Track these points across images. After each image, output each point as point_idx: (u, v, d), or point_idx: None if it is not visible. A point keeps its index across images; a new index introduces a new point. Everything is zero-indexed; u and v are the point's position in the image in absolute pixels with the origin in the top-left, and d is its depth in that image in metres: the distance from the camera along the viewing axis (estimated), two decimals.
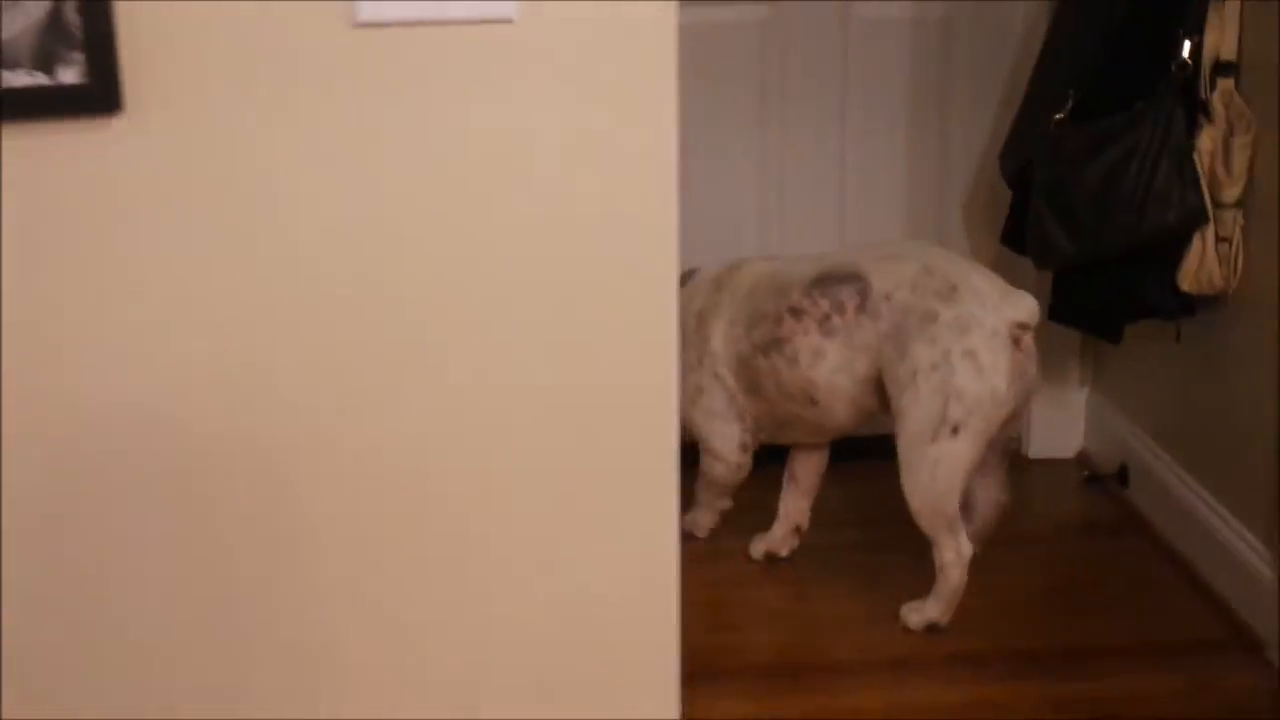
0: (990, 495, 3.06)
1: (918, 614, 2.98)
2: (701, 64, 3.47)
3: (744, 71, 3.53)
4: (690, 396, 3.11)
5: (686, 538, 3.22)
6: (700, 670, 2.72)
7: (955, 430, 2.82)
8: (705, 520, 3.29)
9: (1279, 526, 2.83)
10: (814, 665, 2.86)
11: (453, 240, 1.62)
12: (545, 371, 1.67)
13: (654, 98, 1.62)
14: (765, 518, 3.25)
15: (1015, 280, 3.48)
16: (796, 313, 2.97)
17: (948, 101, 3.58)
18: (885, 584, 3.07)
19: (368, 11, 1.53)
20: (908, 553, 3.04)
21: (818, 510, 3.28)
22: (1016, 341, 2.85)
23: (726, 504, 3.28)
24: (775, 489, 3.25)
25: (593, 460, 1.70)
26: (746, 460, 3.18)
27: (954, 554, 2.92)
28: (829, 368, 2.95)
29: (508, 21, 1.56)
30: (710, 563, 3.19)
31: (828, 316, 2.94)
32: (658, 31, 1.61)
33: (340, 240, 1.60)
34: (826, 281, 2.96)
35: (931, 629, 2.95)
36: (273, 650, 1.70)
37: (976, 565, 3.12)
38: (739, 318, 3.06)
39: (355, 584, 1.70)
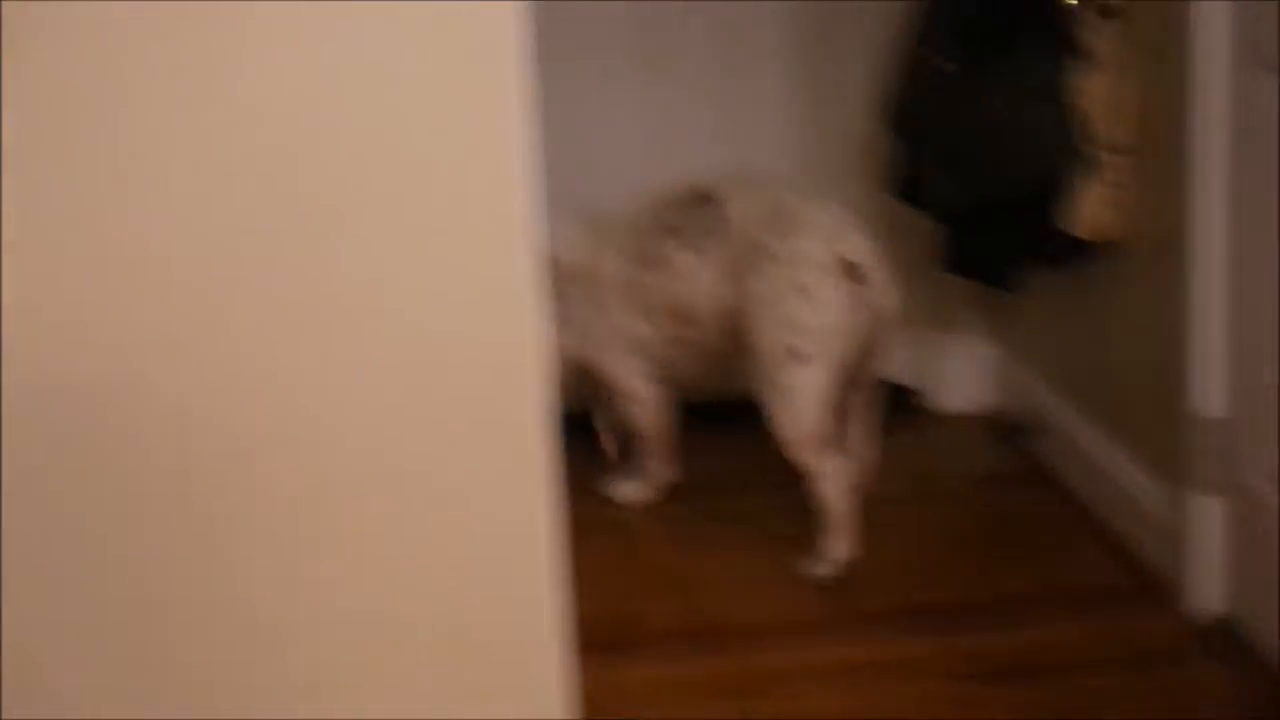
0: (858, 451, 3.07)
1: (822, 564, 2.98)
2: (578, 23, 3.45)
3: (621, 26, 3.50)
4: (591, 340, 3.14)
5: (624, 508, 3.24)
6: (606, 640, 2.72)
7: (801, 359, 2.88)
8: (638, 488, 3.28)
9: (1176, 470, 2.81)
10: (720, 628, 2.83)
11: (271, 219, 1.57)
12: (397, 338, 1.61)
13: (499, 42, 1.57)
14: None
15: (904, 231, 3.50)
16: (674, 230, 3.05)
17: (827, 45, 3.54)
18: (789, 546, 3.04)
19: None
20: (798, 518, 3.03)
21: (722, 473, 3.26)
22: (851, 275, 2.88)
23: (666, 471, 3.27)
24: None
25: (455, 432, 1.65)
26: (659, 396, 3.21)
27: (831, 479, 2.96)
28: (704, 284, 3.02)
29: None
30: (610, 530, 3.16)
31: (700, 235, 3.02)
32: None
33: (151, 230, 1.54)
34: (690, 202, 3.05)
35: (838, 576, 2.97)
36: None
37: (884, 521, 3.11)
38: (625, 243, 3.10)
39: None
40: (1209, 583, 2.75)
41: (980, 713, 2.55)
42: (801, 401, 2.90)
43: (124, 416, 1.60)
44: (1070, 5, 2.89)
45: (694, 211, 3.04)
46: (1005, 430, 3.49)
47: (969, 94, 2.99)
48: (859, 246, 2.91)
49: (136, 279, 1.56)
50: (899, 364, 3.66)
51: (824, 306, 2.87)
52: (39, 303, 1.55)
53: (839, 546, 2.98)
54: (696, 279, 3.02)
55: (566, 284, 3.05)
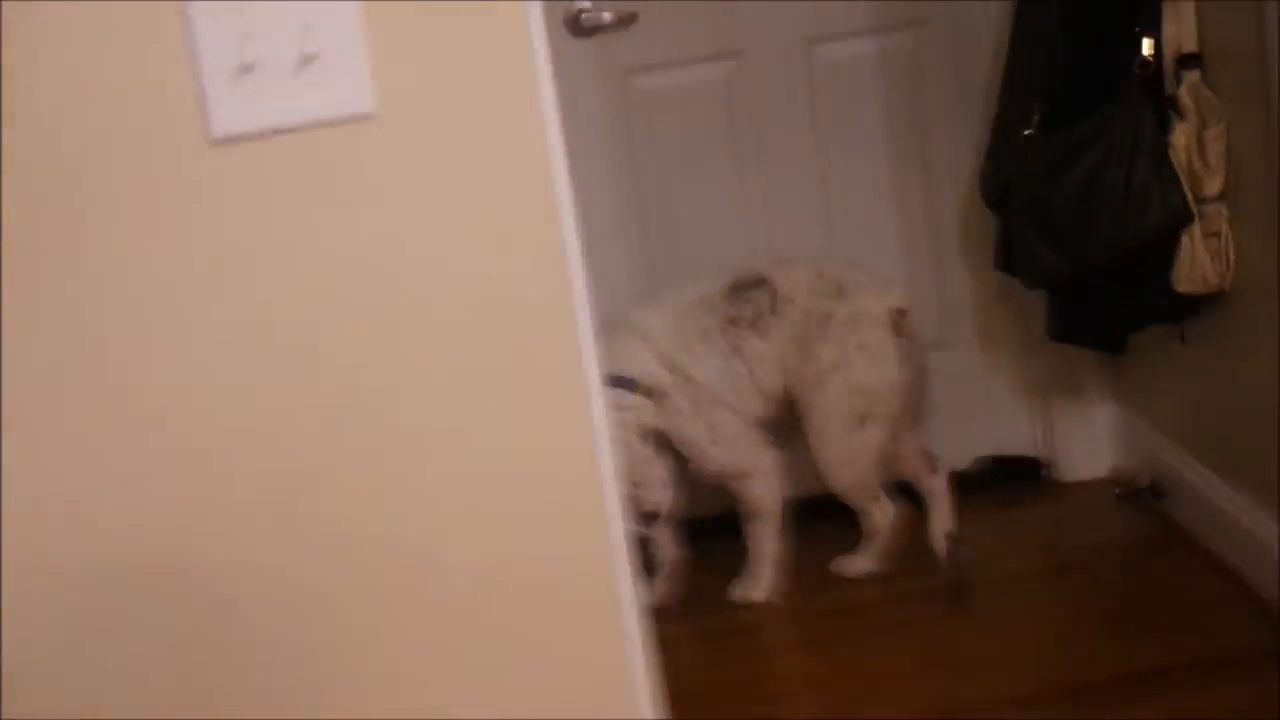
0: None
1: (852, 564, 3.25)
2: (671, 128, 3.45)
3: (715, 131, 3.48)
4: (707, 439, 3.15)
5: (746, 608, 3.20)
6: None
7: (863, 421, 3.12)
8: (762, 581, 3.24)
9: None
10: None
11: (347, 348, 1.56)
12: (467, 470, 1.60)
13: (537, 177, 1.56)
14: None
15: (1015, 302, 3.45)
16: (735, 320, 3.16)
17: (925, 131, 3.51)
18: (918, 635, 2.98)
19: (222, 125, 1.48)
20: (938, 600, 2.97)
21: (814, 570, 3.27)
22: (897, 328, 3.14)
23: (778, 550, 3.24)
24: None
25: (537, 576, 1.64)
26: (777, 465, 3.26)
27: (881, 515, 3.23)
28: (771, 364, 3.17)
29: (368, 118, 1.51)
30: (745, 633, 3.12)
31: (755, 318, 3.15)
32: (533, 108, 1.56)
33: (235, 364, 1.54)
34: (740, 288, 3.17)
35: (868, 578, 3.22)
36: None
37: (1016, 599, 3.05)
38: (696, 345, 3.16)
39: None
40: None
41: None
42: (862, 462, 3.15)
43: (218, 584, 1.60)
44: (1148, 60, 2.84)
45: (749, 296, 3.15)
46: (1134, 493, 3.40)
47: (1059, 161, 2.94)
48: (900, 296, 3.16)
49: (213, 443, 1.57)
50: (1021, 436, 3.61)
51: (883, 362, 3.10)
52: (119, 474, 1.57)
53: (877, 562, 3.26)
54: (764, 361, 3.14)
55: (660, 402, 3.04)
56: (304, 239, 1.53)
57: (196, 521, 1.57)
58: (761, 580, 3.22)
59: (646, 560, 2.91)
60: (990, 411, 3.61)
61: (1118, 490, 3.46)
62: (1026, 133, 3.00)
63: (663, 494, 2.97)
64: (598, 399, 1.61)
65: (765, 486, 3.22)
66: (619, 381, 2.98)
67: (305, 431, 1.56)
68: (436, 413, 1.58)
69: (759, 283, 3.16)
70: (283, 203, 1.52)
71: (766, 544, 3.23)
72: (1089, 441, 3.57)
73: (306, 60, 1.49)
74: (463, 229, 1.55)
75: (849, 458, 3.16)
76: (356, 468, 1.58)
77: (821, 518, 3.31)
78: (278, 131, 1.50)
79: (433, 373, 1.58)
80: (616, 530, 1.65)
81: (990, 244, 3.31)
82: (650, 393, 3.03)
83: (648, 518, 2.94)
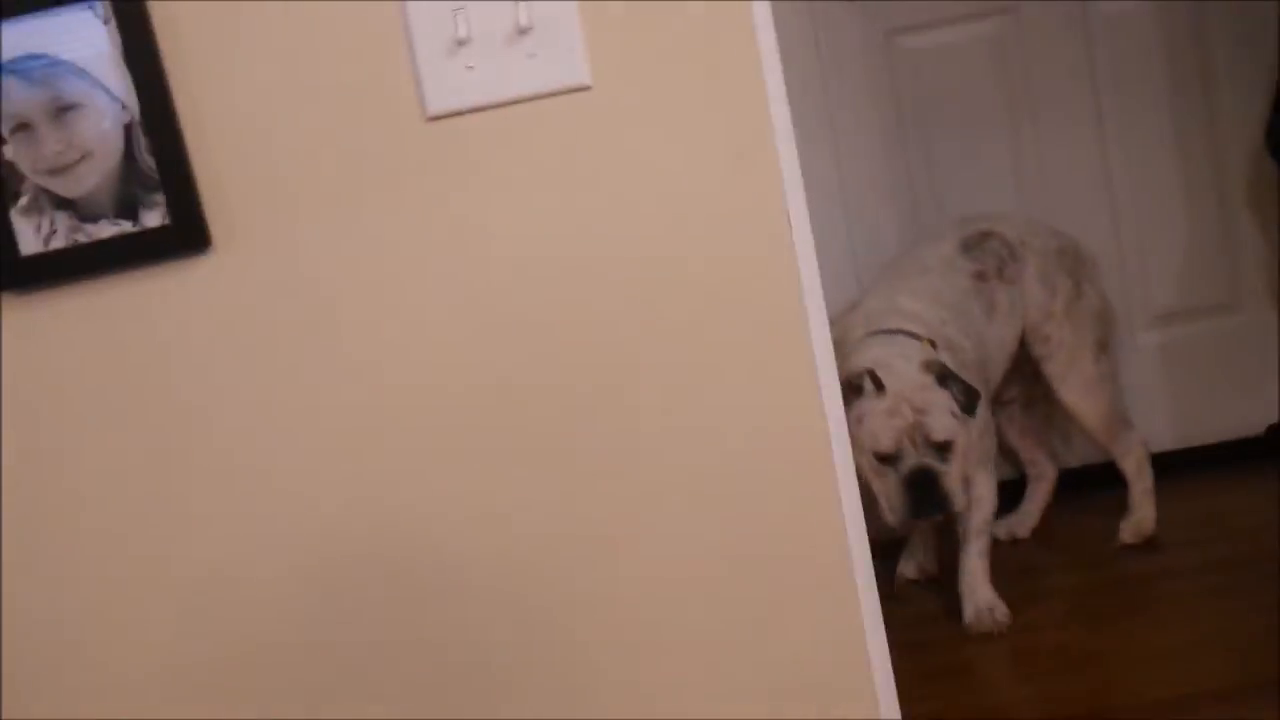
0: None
1: (1131, 528, 3.17)
2: (941, 88, 3.36)
3: (986, 90, 3.38)
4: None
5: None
6: None
7: (1104, 348, 3.13)
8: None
9: None
10: (1126, 708, 2.66)
11: (567, 329, 1.54)
12: (692, 443, 1.57)
13: (757, 145, 1.51)
14: None
15: None
16: (980, 274, 3.06)
17: (1211, 85, 3.35)
18: (1190, 614, 2.85)
19: (436, 102, 1.48)
20: (1198, 576, 2.84)
21: (1099, 541, 3.17)
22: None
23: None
24: None
25: (761, 533, 1.60)
26: None
27: (1139, 443, 3.18)
28: (1015, 317, 3.11)
29: (585, 89, 1.49)
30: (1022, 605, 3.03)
31: (1000, 268, 3.07)
32: (753, 74, 1.51)
33: (453, 345, 1.54)
34: (971, 244, 3.09)
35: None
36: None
37: None
38: (947, 314, 3.01)
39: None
40: None
41: None
42: (1111, 388, 3.12)
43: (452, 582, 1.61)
44: None
45: (986, 247, 3.07)
46: None
47: None
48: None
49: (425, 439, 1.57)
50: None
51: (1100, 291, 3.14)
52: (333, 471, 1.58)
53: (1145, 514, 3.16)
54: (1013, 310, 3.08)
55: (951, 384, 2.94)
56: (520, 214, 1.52)
57: (414, 504, 1.58)
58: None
59: (933, 500, 2.80)
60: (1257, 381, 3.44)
61: None
62: None
63: (951, 424, 2.83)
64: (828, 376, 1.57)
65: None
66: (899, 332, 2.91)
67: (523, 412, 1.55)
68: (657, 392, 1.56)
69: (986, 235, 3.08)
70: (498, 178, 1.51)
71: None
72: None
73: (521, 33, 1.47)
74: (680, 203, 1.52)
75: (1099, 386, 3.12)
76: (575, 450, 1.57)
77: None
78: (493, 106, 1.49)
79: (653, 350, 1.55)
80: (851, 507, 1.60)
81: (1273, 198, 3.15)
82: (933, 344, 2.95)
83: (939, 448, 2.81)
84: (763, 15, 1.53)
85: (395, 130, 1.49)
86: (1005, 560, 2.99)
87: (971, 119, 3.38)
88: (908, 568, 3.22)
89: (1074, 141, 3.39)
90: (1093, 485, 3.39)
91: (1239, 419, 3.45)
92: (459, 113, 1.49)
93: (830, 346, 1.60)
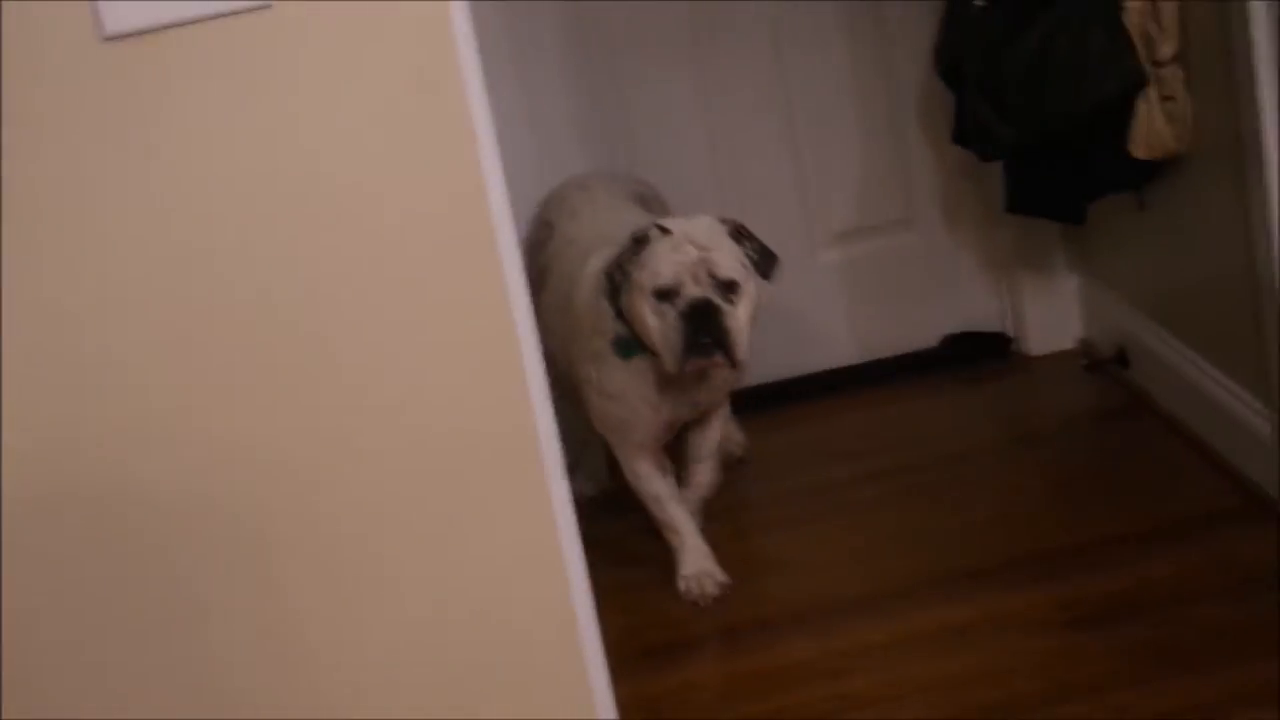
0: None
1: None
2: (622, 18, 3.40)
3: (669, 15, 3.43)
4: None
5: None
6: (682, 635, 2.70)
7: None
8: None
9: (1268, 381, 2.70)
10: (815, 607, 2.77)
11: (257, 253, 1.54)
12: (386, 376, 1.59)
13: (442, 68, 1.53)
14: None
15: (977, 178, 3.43)
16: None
17: (880, 6, 3.45)
18: (875, 517, 2.99)
19: (114, 21, 1.45)
20: (896, 481, 2.98)
21: (787, 453, 3.24)
22: None
23: None
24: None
25: (457, 447, 1.62)
26: None
27: None
28: None
29: (265, 7, 1.48)
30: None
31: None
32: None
33: (141, 270, 1.52)
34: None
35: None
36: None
37: (981, 473, 3.07)
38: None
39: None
40: None
41: (1084, 661, 2.47)
42: None
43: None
44: None
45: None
46: (1100, 363, 3.39)
47: (1010, 30, 2.90)
48: None
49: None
50: (988, 311, 3.59)
51: None
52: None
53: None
54: None
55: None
56: (204, 135, 1.50)
57: (106, 436, 1.56)
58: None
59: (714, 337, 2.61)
60: (956, 288, 3.59)
61: (1084, 361, 3.45)
62: (978, 3, 2.96)
63: (739, 267, 2.66)
64: (518, 297, 1.60)
65: None
66: None
67: (212, 334, 1.55)
68: (348, 313, 1.57)
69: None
70: (179, 101, 1.50)
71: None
72: (1054, 313, 3.56)
73: None
74: (365, 123, 1.53)
75: None
76: (266, 374, 1.57)
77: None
78: (172, 26, 1.47)
79: (343, 273, 1.56)
80: (547, 435, 1.64)
81: (948, 120, 3.28)
82: None
83: (725, 287, 2.63)
84: None
85: (71, 51, 1.46)
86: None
87: (654, 45, 3.43)
88: (586, 486, 3.18)
89: (753, 65, 3.46)
90: (771, 402, 3.48)
91: (916, 331, 3.59)
92: (138, 32, 1.46)
93: (520, 268, 1.63)
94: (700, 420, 2.95)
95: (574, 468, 3.15)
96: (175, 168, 1.50)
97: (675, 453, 2.98)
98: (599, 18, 3.40)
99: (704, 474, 3.00)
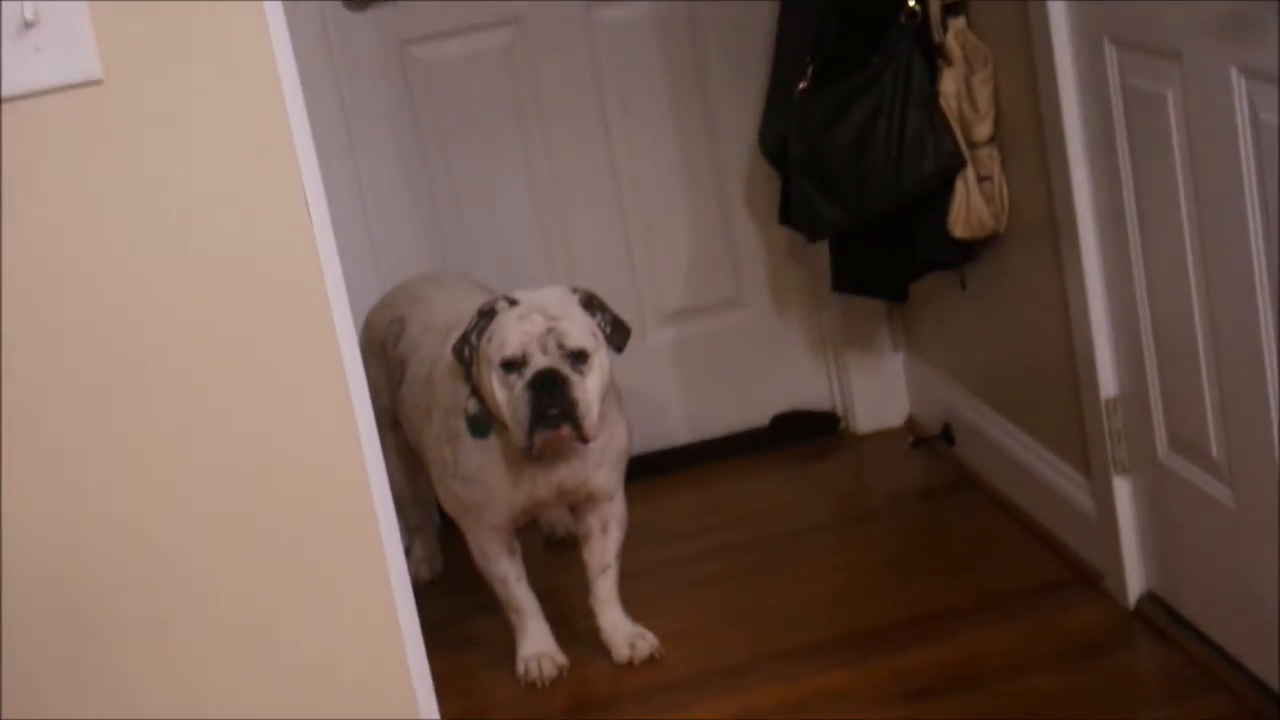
0: None
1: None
2: (454, 98, 3.41)
3: (498, 99, 3.45)
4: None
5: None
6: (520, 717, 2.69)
7: None
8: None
9: (1087, 455, 2.78)
10: (654, 687, 2.77)
11: (92, 327, 1.52)
12: (223, 436, 1.58)
13: (270, 138, 1.53)
14: None
15: (804, 258, 3.49)
16: None
17: (708, 86, 3.51)
18: (709, 595, 3.01)
19: None
20: (729, 559, 3.00)
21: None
22: None
23: None
24: None
25: (292, 521, 1.61)
26: None
27: None
28: None
29: (96, 83, 1.47)
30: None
31: None
32: (268, 71, 1.53)
33: None
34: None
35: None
36: None
37: (811, 551, 3.10)
38: None
39: None
40: (1133, 563, 2.71)
41: None
42: None
43: None
44: (915, 9, 2.88)
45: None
46: (927, 440, 3.45)
47: (832, 114, 2.97)
48: None
49: None
50: (817, 390, 3.64)
51: None
52: None
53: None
54: None
55: None
56: (38, 210, 1.49)
57: None
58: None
59: (561, 408, 2.57)
60: (785, 367, 3.64)
61: (911, 439, 3.51)
62: (800, 86, 3.02)
63: (589, 337, 2.62)
64: (352, 365, 1.60)
65: None
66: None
67: (56, 409, 1.53)
68: (185, 387, 1.56)
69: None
70: (12, 174, 1.48)
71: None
72: (882, 392, 3.62)
73: (27, 26, 1.45)
74: (200, 198, 1.53)
75: None
76: (106, 442, 1.55)
77: None
78: (5, 99, 1.46)
79: (179, 343, 1.55)
80: (385, 513, 1.64)
81: (774, 200, 3.33)
82: None
83: (574, 357, 2.60)
84: (275, 17, 1.54)
85: None
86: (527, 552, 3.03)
87: (486, 127, 3.45)
88: (421, 569, 3.14)
89: (582, 146, 3.49)
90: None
91: (747, 411, 3.63)
92: None
93: (354, 339, 1.63)
94: (591, 522, 2.87)
95: (408, 551, 3.12)
96: (7, 243, 1.49)
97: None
98: (431, 95, 3.41)
99: (605, 588, 2.89)
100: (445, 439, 2.74)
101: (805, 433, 3.62)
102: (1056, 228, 2.69)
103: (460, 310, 2.80)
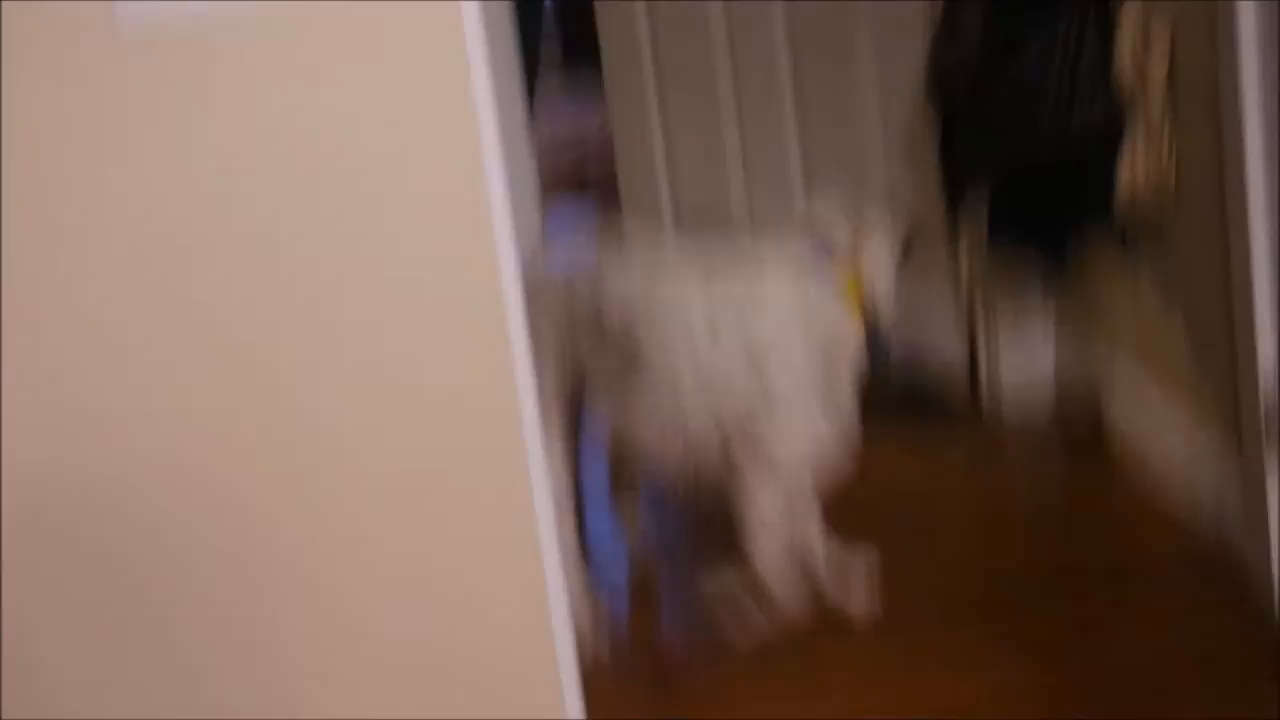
0: None
1: None
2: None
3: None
4: None
5: None
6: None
7: None
8: None
9: (1240, 432, 2.67)
10: None
11: (258, 255, 1.51)
12: (382, 388, 1.57)
13: (448, 79, 1.50)
14: None
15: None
16: None
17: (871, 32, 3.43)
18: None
19: (130, 26, 1.43)
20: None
21: None
22: None
23: None
24: None
25: (444, 472, 1.60)
26: None
27: None
28: None
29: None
30: None
31: None
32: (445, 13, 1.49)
33: (144, 271, 1.50)
34: None
35: None
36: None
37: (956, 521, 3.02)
38: None
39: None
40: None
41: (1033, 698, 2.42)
42: None
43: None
44: None
45: None
46: (1076, 405, 3.35)
47: (1002, 57, 2.87)
48: None
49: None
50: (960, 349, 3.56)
51: None
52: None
53: None
54: None
55: None
56: (224, 135, 1.49)
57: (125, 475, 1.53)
58: None
59: None
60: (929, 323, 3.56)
61: (1057, 406, 3.41)
62: (972, 28, 2.92)
63: None
64: (517, 333, 1.57)
65: None
66: None
67: (205, 349, 1.52)
68: (345, 324, 1.55)
69: None
70: (200, 98, 1.47)
71: None
72: (1029, 359, 3.51)
73: None
74: (370, 125, 1.50)
75: None
76: (256, 394, 1.55)
77: None
78: (186, 33, 1.45)
79: (340, 286, 1.53)
80: (531, 438, 1.61)
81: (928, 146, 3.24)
82: None
83: None
84: None
85: (90, 50, 1.44)
86: None
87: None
88: None
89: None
90: None
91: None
92: (150, 38, 1.45)
93: (528, 355, 1.60)
94: None
95: None
96: (198, 164, 1.48)
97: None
98: None
99: None
100: None
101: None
102: (1224, 194, 2.57)
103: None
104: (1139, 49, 2.74)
